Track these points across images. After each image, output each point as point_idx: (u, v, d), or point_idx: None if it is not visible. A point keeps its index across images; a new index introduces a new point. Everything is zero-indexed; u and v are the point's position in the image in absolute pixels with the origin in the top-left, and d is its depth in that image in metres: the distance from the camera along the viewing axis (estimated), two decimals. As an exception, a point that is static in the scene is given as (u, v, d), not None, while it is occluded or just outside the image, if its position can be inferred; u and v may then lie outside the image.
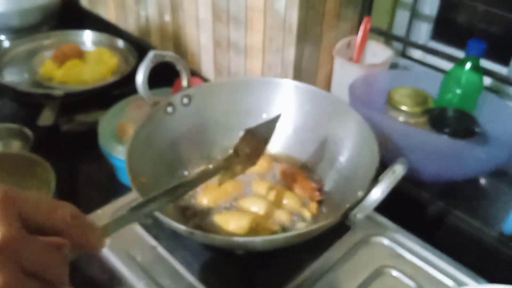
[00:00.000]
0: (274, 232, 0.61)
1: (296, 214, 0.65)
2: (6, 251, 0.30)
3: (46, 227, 0.33)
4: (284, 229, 0.62)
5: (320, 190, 0.69)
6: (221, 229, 0.62)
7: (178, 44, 1.11)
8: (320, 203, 0.67)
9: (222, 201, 0.66)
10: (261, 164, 0.71)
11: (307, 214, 0.65)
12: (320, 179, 0.70)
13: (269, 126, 0.62)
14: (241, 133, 0.57)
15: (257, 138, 0.60)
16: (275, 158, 0.74)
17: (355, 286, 0.59)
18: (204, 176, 0.54)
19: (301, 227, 0.63)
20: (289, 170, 0.72)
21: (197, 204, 0.66)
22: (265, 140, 0.63)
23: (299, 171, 0.71)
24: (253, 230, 0.61)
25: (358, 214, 0.50)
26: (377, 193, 0.49)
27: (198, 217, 0.64)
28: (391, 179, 0.48)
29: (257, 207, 0.64)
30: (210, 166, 0.55)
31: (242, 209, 0.65)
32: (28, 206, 0.33)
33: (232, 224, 0.61)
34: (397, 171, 0.48)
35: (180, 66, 0.69)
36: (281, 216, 0.63)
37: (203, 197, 0.66)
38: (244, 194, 0.68)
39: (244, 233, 0.61)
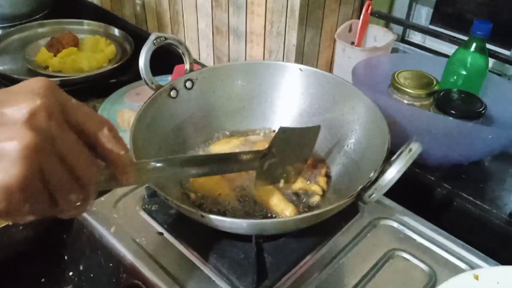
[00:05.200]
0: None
1: (305, 194, 0.64)
2: (45, 127, 0.30)
3: (83, 128, 0.33)
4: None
5: (323, 161, 0.68)
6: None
7: (176, 30, 1.09)
8: (327, 186, 0.66)
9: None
10: (262, 145, 0.69)
11: (317, 189, 0.64)
12: (325, 161, 0.69)
13: (308, 133, 0.60)
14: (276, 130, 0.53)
15: (295, 142, 0.56)
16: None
17: (367, 269, 0.59)
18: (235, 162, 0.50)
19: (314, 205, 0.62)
20: None
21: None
22: (308, 148, 0.60)
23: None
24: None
25: (374, 195, 0.48)
26: (393, 173, 0.47)
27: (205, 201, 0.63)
28: (407, 158, 0.46)
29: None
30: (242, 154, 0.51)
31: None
32: (71, 103, 0.33)
33: None
34: (414, 149, 0.46)
35: (182, 49, 0.67)
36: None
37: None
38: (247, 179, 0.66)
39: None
